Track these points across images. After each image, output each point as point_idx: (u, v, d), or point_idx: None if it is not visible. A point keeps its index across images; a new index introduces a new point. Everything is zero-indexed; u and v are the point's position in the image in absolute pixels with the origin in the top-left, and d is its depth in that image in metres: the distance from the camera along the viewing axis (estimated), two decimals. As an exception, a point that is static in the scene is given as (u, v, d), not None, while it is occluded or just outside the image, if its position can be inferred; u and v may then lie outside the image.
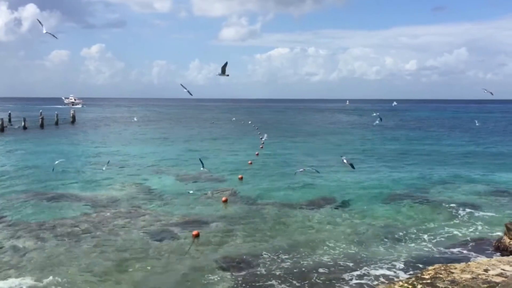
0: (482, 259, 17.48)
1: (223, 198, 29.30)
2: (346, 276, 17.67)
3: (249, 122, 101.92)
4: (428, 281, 13.01)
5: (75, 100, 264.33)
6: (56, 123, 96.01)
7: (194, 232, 21.94)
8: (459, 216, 25.87)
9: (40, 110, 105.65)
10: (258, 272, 17.89)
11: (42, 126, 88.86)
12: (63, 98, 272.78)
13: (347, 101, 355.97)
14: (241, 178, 35.93)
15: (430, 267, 14.44)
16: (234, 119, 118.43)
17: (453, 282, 12.77)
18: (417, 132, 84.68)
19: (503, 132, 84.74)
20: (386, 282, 16.56)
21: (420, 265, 18.51)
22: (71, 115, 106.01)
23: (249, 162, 42.97)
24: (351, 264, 18.74)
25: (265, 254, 19.82)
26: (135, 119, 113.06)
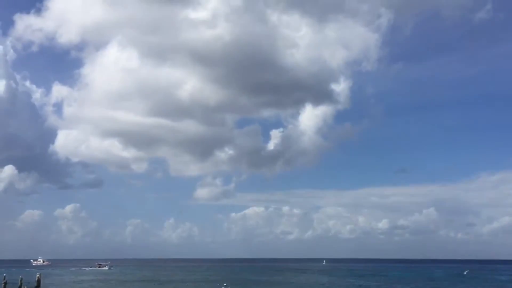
0: None
1: None
2: None
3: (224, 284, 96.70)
4: None
5: (43, 262, 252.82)
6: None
7: None
8: None
9: (4, 274, 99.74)
10: None
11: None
12: (32, 260, 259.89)
13: (324, 261, 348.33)
14: None
15: None
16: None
17: None
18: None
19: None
20: None
21: None
22: (36, 279, 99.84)
23: None
24: None
25: None
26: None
